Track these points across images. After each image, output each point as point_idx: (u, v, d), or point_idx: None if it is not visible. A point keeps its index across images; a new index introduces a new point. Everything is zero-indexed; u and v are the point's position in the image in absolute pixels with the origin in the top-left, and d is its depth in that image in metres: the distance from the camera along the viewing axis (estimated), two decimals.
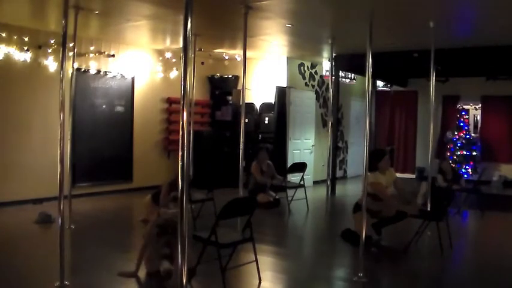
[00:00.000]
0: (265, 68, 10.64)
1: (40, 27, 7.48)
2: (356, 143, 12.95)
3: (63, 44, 4.17)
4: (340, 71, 10.73)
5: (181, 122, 2.59)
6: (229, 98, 10.63)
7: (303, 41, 8.54)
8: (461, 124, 12.43)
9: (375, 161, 5.60)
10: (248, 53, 7.19)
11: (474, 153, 12.17)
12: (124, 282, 4.39)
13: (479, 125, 12.84)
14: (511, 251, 5.87)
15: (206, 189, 6.83)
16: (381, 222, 5.60)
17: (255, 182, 8.11)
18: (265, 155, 8.31)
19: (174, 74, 9.90)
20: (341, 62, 9.86)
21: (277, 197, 8.37)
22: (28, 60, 7.49)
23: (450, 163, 8.58)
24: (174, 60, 9.78)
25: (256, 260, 4.33)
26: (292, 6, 6.22)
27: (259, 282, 4.31)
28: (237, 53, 9.72)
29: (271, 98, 10.32)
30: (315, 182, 10.96)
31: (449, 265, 5.27)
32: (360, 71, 9.47)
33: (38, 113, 7.79)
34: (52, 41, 7.62)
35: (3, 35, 7.14)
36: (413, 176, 13.07)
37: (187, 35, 2.60)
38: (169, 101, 10.01)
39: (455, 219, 7.41)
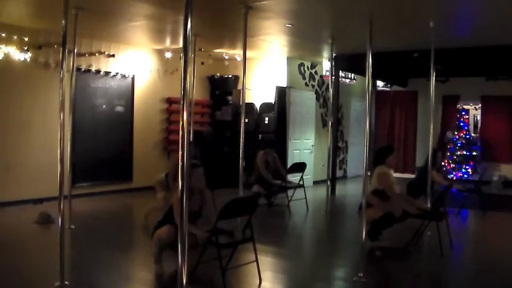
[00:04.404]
0: (265, 68, 10.64)
1: (40, 27, 7.48)
2: (356, 143, 12.95)
3: (63, 44, 4.17)
4: (340, 71, 10.73)
5: (181, 122, 2.59)
6: (229, 98, 10.63)
7: (303, 41, 8.54)
8: (461, 124, 12.44)
9: (382, 155, 5.58)
10: (248, 53, 7.19)
11: (474, 153, 12.18)
12: (124, 282, 4.40)
13: (479, 125, 12.84)
14: (511, 251, 5.87)
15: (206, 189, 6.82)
16: (382, 225, 5.52)
17: (259, 175, 8.12)
18: (273, 151, 8.45)
19: (174, 74, 9.90)
20: (341, 62, 9.87)
21: (272, 200, 8.41)
22: (28, 60, 7.48)
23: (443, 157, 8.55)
24: (174, 60, 9.79)
25: (256, 260, 4.33)
26: (292, 6, 6.22)
27: (260, 282, 4.31)
28: (237, 53, 9.72)
29: (271, 98, 10.32)
30: (315, 182, 10.96)
31: (449, 265, 5.27)
32: (360, 71, 9.49)
33: (38, 113, 7.79)
34: (52, 41, 7.61)
35: (3, 35, 7.14)
36: (413, 176, 13.05)
37: (187, 35, 2.60)
38: (169, 101, 10.01)
39: (455, 219, 7.41)
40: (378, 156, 5.69)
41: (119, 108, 9.22)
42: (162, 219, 4.47)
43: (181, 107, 2.61)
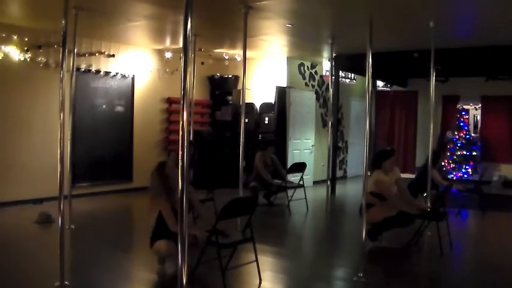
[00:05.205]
0: (265, 68, 10.64)
1: (40, 27, 7.48)
2: (356, 143, 12.95)
3: (63, 44, 4.17)
4: (340, 71, 10.73)
5: (181, 122, 2.59)
6: (229, 98, 10.63)
7: (303, 41, 8.54)
8: (461, 124, 12.43)
9: (380, 159, 5.57)
10: (248, 53, 7.19)
11: (474, 153, 12.18)
12: (124, 282, 4.40)
13: (479, 125, 12.84)
14: (511, 251, 5.87)
15: (206, 189, 6.83)
16: (383, 225, 5.52)
17: (258, 174, 8.10)
18: (273, 149, 8.44)
19: (174, 74, 9.90)
20: (341, 62, 9.87)
21: (272, 200, 8.41)
22: (28, 60, 7.49)
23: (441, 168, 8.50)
24: (174, 60, 9.79)
25: (256, 260, 4.33)
26: (292, 6, 6.22)
27: (260, 282, 4.31)
28: (237, 53, 9.72)
29: (271, 98, 10.32)
30: (315, 182, 10.97)
31: (449, 265, 5.27)
32: (360, 71, 9.49)
33: (38, 113, 7.79)
34: (52, 41, 7.61)
35: (3, 35, 7.14)
36: (413, 176, 13.04)
37: (187, 35, 2.60)
38: (169, 101, 10.01)
39: (455, 219, 7.41)
40: (375, 160, 5.68)
41: (119, 108, 9.22)
42: (155, 225, 4.38)
43: (181, 107, 2.60)
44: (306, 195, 8.16)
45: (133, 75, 9.39)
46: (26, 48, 7.43)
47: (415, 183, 7.10)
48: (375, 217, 5.32)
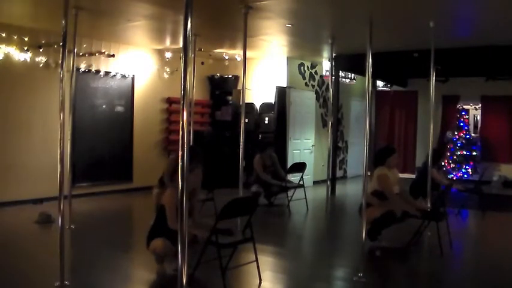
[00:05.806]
0: (265, 68, 10.64)
1: (40, 27, 7.48)
2: (356, 143, 12.95)
3: (63, 44, 4.17)
4: (340, 71, 10.74)
5: (181, 122, 2.58)
6: (229, 98, 10.63)
7: (303, 41, 8.54)
8: (461, 124, 12.44)
9: (383, 156, 5.57)
10: (248, 53, 7.19)
11: (474, 153, 12.18)
12: (124, 282, 4.40)
13: (479, 125, 12.84)
14: (511, 251, 5.87)
15: (206, 189, 6.83)
16: (382, 224, 5.52)
17: (258, 176, 8.10)
18: (272, 150, 8.44)
19: (174, 74, 9.90)
20: (341, 62, 9.87)
21: (272, 200, 8.42)
22: (28, 60, 7.49)
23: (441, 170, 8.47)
24: (174, 60, 9.79)
25: (256, 260, 4.33)
26: (292, 6, 6.22)
27: (260, 282, 4.31)
28: (237, 53, 9.72)
29: (271, 98, 10.32)
30: (315, 182, 10.96)
31: (449, 265, 5.27)
32: (360, 71, 9.48)
33: (38, 113, 7.79)
34: (52, 41, 7.61)
35: (3, 35, 7.14)
36: (413, 176, 13.04)
37: (187, 35, 2.60)
38: (169, 101, 10.01)
39: (455, 219, 7.41)
40: (378, 157, 5.69)
41: (119, 108, 9.22)
42: (153, 223, 4.38)
43: (181, 107, 2.60)
44: (306, 195, 8.16)
45: (133, 75, 9.39)
46: (26, 48, 7.43)
47: (416, 184, 7.10)
48: (372, 216, 5.33)
